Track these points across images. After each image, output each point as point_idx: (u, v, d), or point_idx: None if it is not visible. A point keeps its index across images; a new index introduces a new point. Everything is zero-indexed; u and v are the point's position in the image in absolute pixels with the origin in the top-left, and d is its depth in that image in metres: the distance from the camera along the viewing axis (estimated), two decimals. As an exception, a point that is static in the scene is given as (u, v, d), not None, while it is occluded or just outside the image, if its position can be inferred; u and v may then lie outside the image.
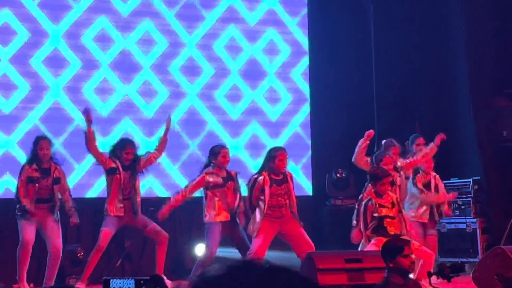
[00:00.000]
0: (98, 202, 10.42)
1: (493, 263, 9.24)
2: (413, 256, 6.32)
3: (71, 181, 10.79)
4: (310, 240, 9.47)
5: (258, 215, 9.39)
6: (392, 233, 9.27)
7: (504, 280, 8.87)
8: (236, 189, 9.64)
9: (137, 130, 11.65)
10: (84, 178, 11.28)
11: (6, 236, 10.77)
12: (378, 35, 12.85)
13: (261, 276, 1.45)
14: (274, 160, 9.52)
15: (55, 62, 11.31)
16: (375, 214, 9.16)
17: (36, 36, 11.23)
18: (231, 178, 9.65)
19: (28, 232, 9.46)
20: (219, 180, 9.55)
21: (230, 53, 12.33)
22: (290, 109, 12.63)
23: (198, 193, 9.86)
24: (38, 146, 9.50)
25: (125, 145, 9.67)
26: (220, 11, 12.31)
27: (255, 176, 9.55)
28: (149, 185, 11.48)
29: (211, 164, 9.65)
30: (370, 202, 9.17)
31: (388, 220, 9.30)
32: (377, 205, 9.19)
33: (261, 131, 12.35)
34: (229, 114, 12.26)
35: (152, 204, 10.56)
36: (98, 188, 11.19)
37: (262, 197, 9.42)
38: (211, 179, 9.53)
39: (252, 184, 9.46)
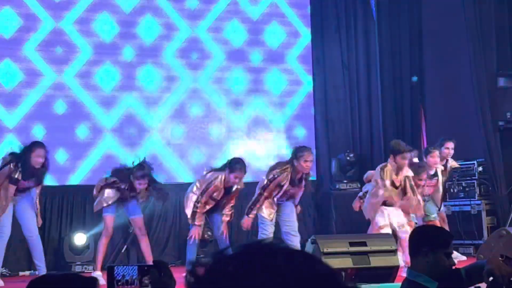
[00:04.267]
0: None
1: (498, 245, 9.27)
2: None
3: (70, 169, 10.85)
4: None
5: None
6: None
7: (509, 261, 8.91)
8: None
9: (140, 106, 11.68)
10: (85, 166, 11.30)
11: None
12: (382, 16, 12.84)
13: (276, 256, 1.44)
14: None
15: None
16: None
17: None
18: None
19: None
20: None
21: (232, 36, 12.32)
22: (295, 96, 12.62)
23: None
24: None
25: None
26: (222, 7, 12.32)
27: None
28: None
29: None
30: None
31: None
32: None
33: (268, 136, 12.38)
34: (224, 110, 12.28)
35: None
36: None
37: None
38: None
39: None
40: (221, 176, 9.45)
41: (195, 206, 9.39)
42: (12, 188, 9.35)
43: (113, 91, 11.59)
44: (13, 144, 10.52)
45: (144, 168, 9.64)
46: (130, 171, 9.61)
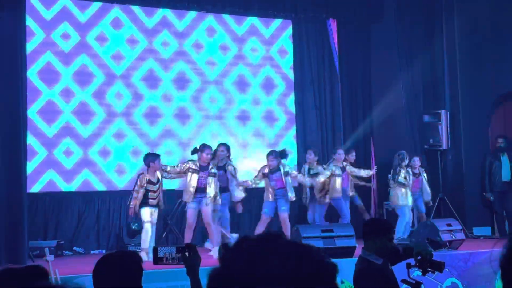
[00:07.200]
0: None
1: (425, 231, 9.28)
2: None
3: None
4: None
5: None
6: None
7: (432, 242, 8.90)
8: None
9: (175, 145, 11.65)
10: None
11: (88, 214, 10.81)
12: (343, 71, 12.84)
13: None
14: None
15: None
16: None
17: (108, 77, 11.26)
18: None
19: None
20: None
21: (239, 87, 12.33)
22: (283, 125, 12.63)
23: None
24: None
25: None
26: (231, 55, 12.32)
27: None
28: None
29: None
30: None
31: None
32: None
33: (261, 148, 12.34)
34: (238, 134, 12.22)
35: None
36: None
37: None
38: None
39: None
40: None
41: None
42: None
43: (158, 134, 11.57)
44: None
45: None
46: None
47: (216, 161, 9.88)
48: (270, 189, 9.77)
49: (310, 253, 1.42)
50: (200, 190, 9.29)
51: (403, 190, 10.50)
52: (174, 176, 9.61)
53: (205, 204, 9.26)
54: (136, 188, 9.07)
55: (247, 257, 1.39)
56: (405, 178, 10.59)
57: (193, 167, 9.34)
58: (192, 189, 9.25)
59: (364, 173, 11.02)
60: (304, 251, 1.42)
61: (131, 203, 9.07)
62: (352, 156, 11.33)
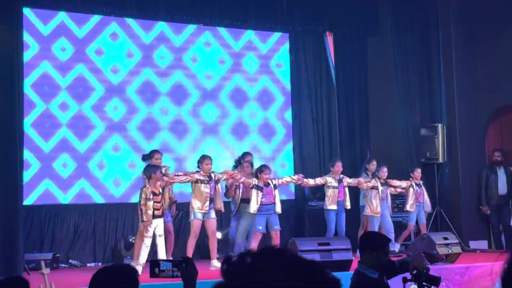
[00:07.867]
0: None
1: (421, 245, 9.26)
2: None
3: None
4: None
5: None
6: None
7: (429, 256, 8.89)
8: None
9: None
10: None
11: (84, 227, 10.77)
12: (340, 84, 12.87)
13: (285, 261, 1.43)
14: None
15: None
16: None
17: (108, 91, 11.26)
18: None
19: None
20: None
21: (235, 100, 12.34)
22: (281, 138, 12.64)
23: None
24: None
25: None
26: (229, 65, 12.35)
27: None
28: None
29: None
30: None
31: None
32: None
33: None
34: (234, 147, 12.19)
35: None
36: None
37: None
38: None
39: None
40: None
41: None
42: None
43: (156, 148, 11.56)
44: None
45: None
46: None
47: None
48: (257, 204, 9.26)
49: (314, 268, 1.42)
50: (210, 200, 9.19)
51: (373, 200, 10.49)
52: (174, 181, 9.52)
53: (213, 213, 9.21)
54: (143, 202, 8.88)
55: (250, 271, 1.39)
56: (372, 187, 10.55)
57: (202, 177, 9.21)
58: (204, 200, 9.12)
59: (362, 181, 10.90)
60: (308, 266, 1.42)
61: (144, 218, 8.81)
62: (384, 173, 10.75)
